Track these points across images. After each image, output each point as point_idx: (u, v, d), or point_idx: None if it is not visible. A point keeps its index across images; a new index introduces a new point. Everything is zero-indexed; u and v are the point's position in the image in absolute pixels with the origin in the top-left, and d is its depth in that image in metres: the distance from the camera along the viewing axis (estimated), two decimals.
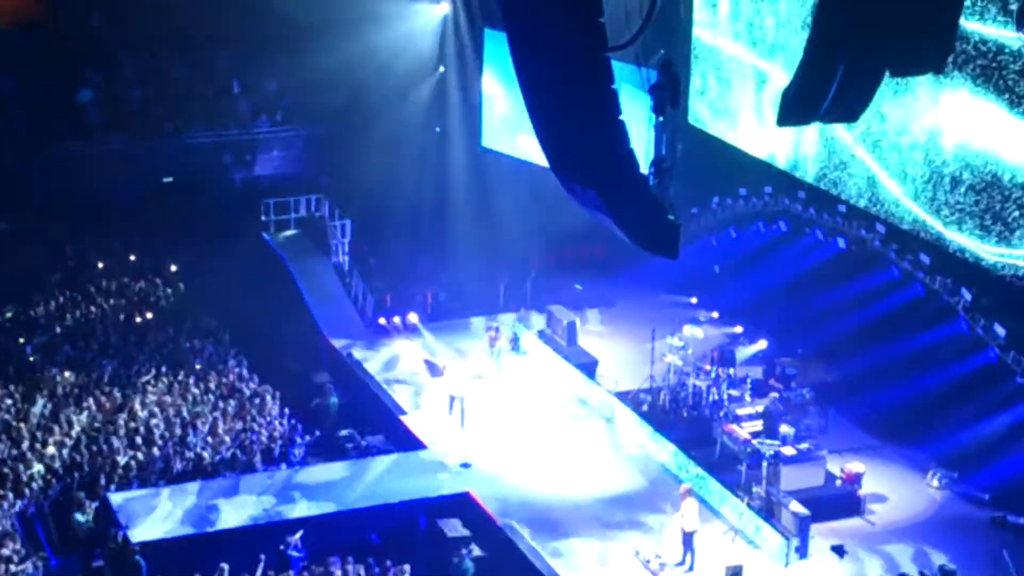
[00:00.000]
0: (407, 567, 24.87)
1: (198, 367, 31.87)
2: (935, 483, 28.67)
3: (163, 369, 31.63)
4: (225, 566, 24.06)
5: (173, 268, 37.58)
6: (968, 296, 29.00)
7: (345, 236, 37.18)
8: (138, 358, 32.14)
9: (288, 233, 38.39)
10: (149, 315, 34.49)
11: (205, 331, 33.91)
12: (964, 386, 28.93)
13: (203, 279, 36.10)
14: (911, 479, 28.89)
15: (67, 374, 30.88)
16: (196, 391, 30.69)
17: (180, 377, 31.36)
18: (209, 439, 28.86)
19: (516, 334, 34.44)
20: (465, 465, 28.82)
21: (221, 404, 30.31)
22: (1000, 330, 28.24)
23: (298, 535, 25.33)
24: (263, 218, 38.27)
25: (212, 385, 31.14)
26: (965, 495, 28.32)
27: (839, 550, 24.56)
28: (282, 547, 25.16)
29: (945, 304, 29.61)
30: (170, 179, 40.06)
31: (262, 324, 34.98)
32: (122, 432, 28.66)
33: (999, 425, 28.07)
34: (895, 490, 28.47)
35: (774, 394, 30.30)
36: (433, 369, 33.03)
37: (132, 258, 38.01)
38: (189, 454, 28.34)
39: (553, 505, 27.54)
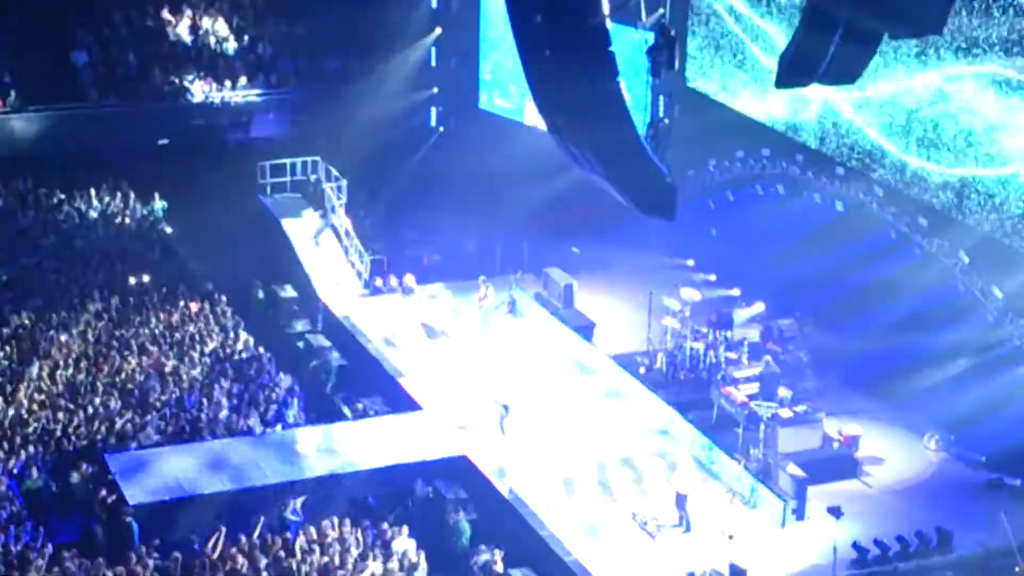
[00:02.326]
0: (404, 528, 24.89)
1: (194, 329, 31.84)
2: (932, 445, 28.72)
3: (160, 331, 31.60)
4: (222, 528, 24.07)
5: (169, 230, 37.51)
6: (965, 258, 28.98)
7: (341, 198, 37.08)
8: (135, 320, 32.09)
9: (284, 195, 38.28)
10: (146, 277, 34.42)
11: (202, 294, 33.86)
12: (961, 348, 28.94)
13: (199, 241, 36.03)
14: (908, 441, 28.94)
15: (63, 337, 30.84)
16: (193, 353, 30.67)
17: (177, 338, 31.34)
18: (205, 401, 28.84)
19: (513, 297, 34.40)
20: (462, 427, 28.80)
21: (218, 366, 30.29)
22: (997, 292, 28.24)
23: (300, 500, 25.33)
24: (259, 180, 38.17)
25: (209, 347, 31.12)
26: (962, 457, 28.38)
27: (836, 512, 24.57)
28: (282, 509, 25.18)
29: (942, 266, 29.60)
30: (166, 141, 39.95)
31: (258, 286, 34.96)
32: (119, 394, 28.67)
33: (996, 387, 28.10)
34: (892, 452, 28.52)
35: (770, 357, 30.31)
36: (430, 331, 33.02)
37: (127, 221, 37.96)
38: (186, 416, 28.33)
39: (550, 467, 27.54)
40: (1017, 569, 24.40)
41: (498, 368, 31.30)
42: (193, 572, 23.04)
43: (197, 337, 31.51)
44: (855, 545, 24.90)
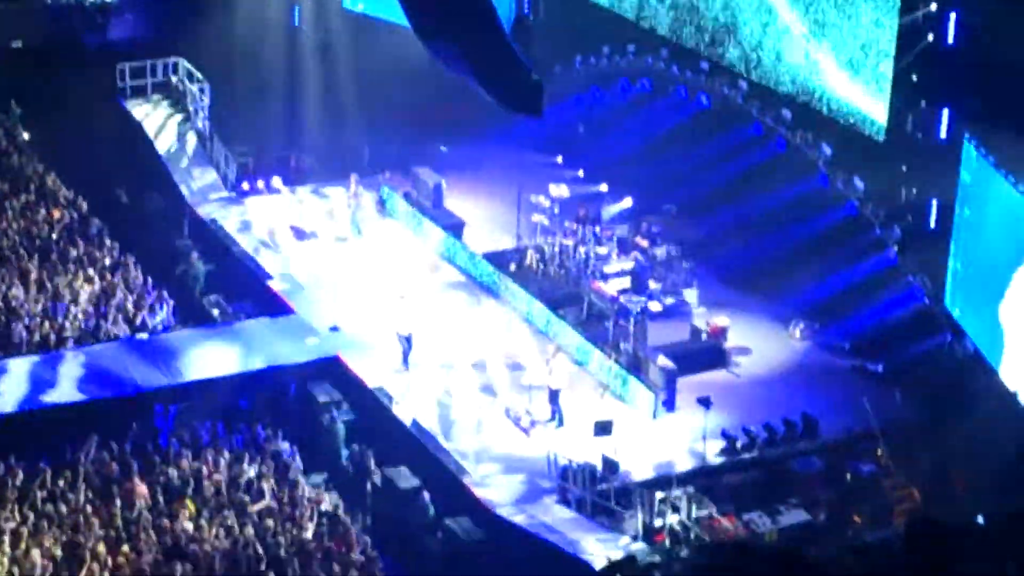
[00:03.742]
0: (279, 431, 24.88)
1: (56, 237, 31.25)
2: (797, 334, 29.26)
3: (21, 240, 30.98)
4: (94, 436, 23.87)
5: (26, 136, 36.64)
6: (828, 151, 29.38)
7: (204, 100, 36.49)
8: None
9: (145, 99, 37.54)
10: (4, 185, 33.65)
11: (63, 201, 33.19)
12: (825, 239, 29.43)
13: (58, 147, 35.25)
14: (774, 331, 29.45)
15: None
16: (56, 260, 30.13)
17: (38, 245, 30.74)
18: (72, 308, 28.41)
19: (382, 196, 34.24)
20: (334, 329, 28.73)
21: (83, 273, 29.81)
22: (859, 184, 28.70)
23: (171, 408, 25.14)
24: (119, 84, 37.37)
25: (73, 254, 30.58)
26: (826, 345, 28.98)
27: (705, 402, 25.01)
28: (153, 416, 25.01)
29: (806, 159, 29.98)
30: (19, 44, 38.90)
31: (122, 192, 34.36)
32: None
33: (858, 276, 28.66)
34: (759, 342, 29.01)
35: (638, 253, 30.57)
36: (299, 233, 32.79)
37: None
38: (53, 324, 27.90)
39: (423, 366, 27.65)
40: (879, 451, 25.09)
41: (368, 269, 31.21)
42: (65, 480, 22.83)
43: (61, 245, 30.94)
44: (724, 434, 25.40)
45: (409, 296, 28.47)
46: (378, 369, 27.41)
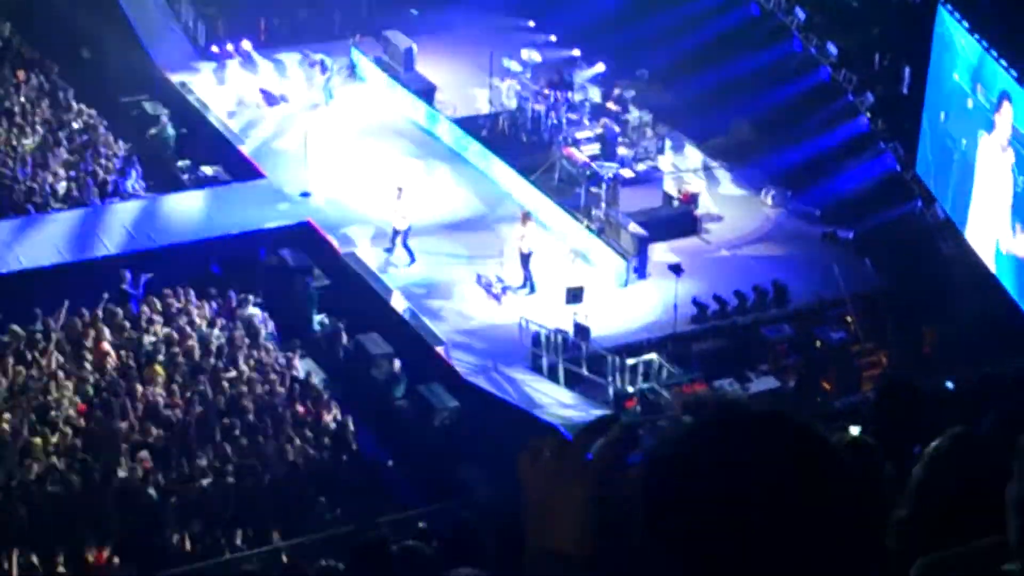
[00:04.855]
0: (251, 296, 24.87)
1: (23, 100, 30.89)
2: (769, 201, 29.29)
3: None
4: (66, 301, 23.79)
5: None
6: (802, 15, 29.16)
7: None
8: None
9: None
10: None
11: (29, 62, 32.75)
12: (797, 105, 29.34)
13: (23, 8, 34.67)
14: (746, 198, 29.48)
15: None
16: (22, 122, 29.81)
17: (5, 108, 30.38)
18: (40, 171, 28.18)
19: (353, 61, 33.89)
20: (305, 194, 28.59)
21: (51, 136, 29.51)
22: (832, 48, 28.54)
23: (142, 276, 24.98)
24: None
25: (39, 118, 30.25)
26: (797, 212, 29.03)
27: (676, 268, 25.08)
28: (121, 282, 24.90)
29: (780, 23, 29.76)
30: None
31: (89, 54, 33.89)
32: None
33: (830, 142, 28.64)
34: (730, 209, 29.05)
35: (608, 120, 30.40)
36: (269, 98, 32.47)
37: None
38: (20, 187, 27.67)
39: (393, 229, 27.56)
40: (848, 318, 25.27)
41: (341, 134, 31.00)
42: (36, 345, 22.81)
43: (28, 107, 30.59)
44: (695, 300, 25.51)
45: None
46: (351, 237, 27.33)
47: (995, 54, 23.26)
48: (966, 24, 24.34)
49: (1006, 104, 23.08)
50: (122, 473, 19.76)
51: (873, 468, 5.39)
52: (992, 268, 24.00)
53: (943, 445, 4.38)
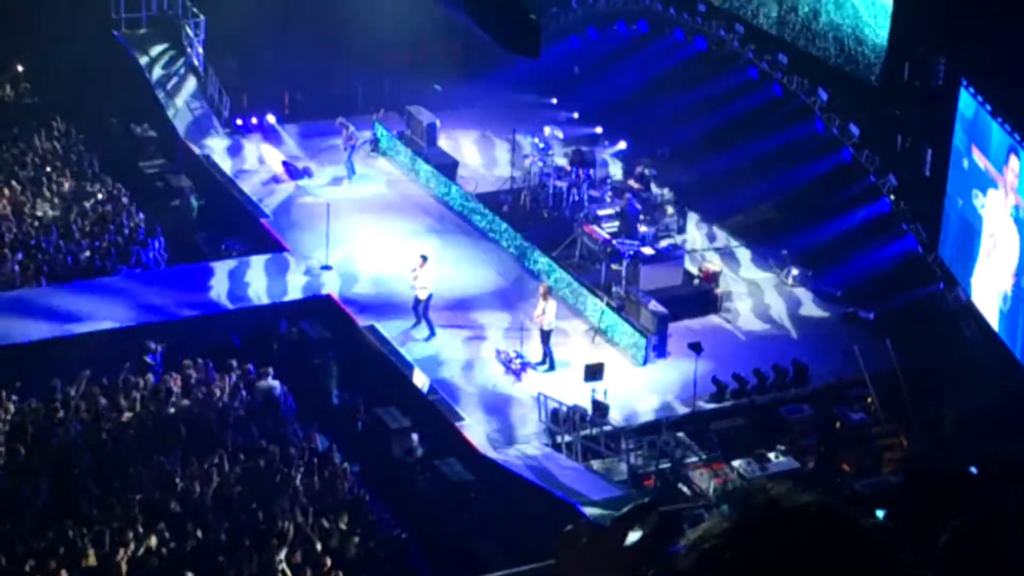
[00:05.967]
0: (270, 369, 24.85)
1: (49, 169, 31.09)
2: (790, 280, 29.25)
3: (14, 171, 30.82)
4: (86, 371, 23.81)
5: (20, 68, 36.36)
6: (824, 96, 29.27)
7: (199, 34, 36.21)
8: None
9: (140, 31, 37.25)
10: None
11: (55, 133, 33.02)
12: (819, 185, 29.38)
13: (51, 79, 35.00)
14: (766, 277, 29.44)
15: None
16: (48, 193, 30.00)
17: (31, 176, 30.56)
18: (63, 243, 28.31)
19: (376, 135, 34.08)
20: (326, 267, 28.66)
21: (75, 207, 29.68)
22: (854, 129, 28.61)
23: (158, 346, 25.02)
24: (112, 15, 37.04)
25: (66, 187, 30.44)
26: (818, 292, 28.97)
27: (696, 347, 25.01)
28: (143, 352, 24.93)
29: (802, 104, 29.88)
30: None
31: (115, 126, 34.15)
32: None
33: (852, 222, 28.63)
34: (751, 288, 29.01)
35: (629, 196, 30.46)
36: (292, 171, 32.65)
37: None
38: (44, 257, 27.80)
39: (414, 307, 27.56)
40: (869, 399, 25.13)
41: (362, 208, 31.09)
42: (55, 415, 22.79)
43: (53, 176, 30.78)
44: (714, 379, 25.41)
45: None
46: (372, 311, 27.34)
47: (1019, 138, 23.28)
48: (988, 106, 24.38)
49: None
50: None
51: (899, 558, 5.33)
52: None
53: (946, 541, 4.33)
